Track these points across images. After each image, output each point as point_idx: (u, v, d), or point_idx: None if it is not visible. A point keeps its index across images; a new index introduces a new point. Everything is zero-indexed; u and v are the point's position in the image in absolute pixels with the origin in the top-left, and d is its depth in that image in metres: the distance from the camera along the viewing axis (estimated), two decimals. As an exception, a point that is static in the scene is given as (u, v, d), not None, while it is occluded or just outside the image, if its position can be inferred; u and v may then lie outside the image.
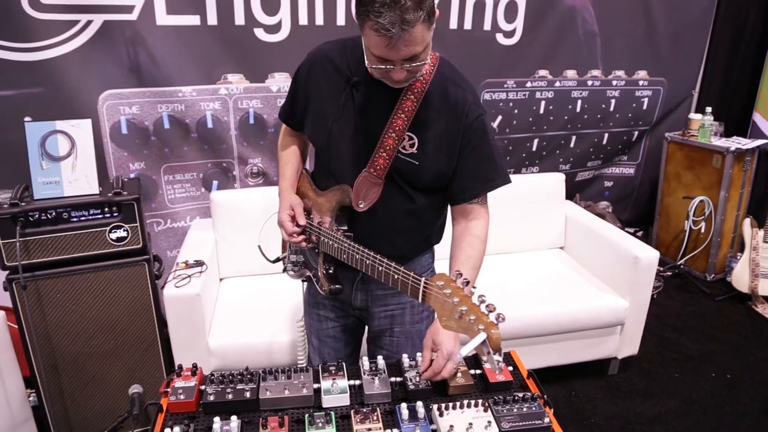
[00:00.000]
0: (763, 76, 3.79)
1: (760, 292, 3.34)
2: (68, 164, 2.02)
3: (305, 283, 1.73)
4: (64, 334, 2.08)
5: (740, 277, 3.40)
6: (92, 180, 2.04)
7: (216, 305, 2.45)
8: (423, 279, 1.17)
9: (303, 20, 2.73)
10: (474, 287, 1.24)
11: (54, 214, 1.97)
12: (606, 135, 3.77)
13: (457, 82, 1.41)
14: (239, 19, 2.63)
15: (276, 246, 1.76)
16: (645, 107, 3.77)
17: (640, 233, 4.14)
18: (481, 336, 1.04)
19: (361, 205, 1.40)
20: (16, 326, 2.03)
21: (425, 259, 1.61)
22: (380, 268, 1.29)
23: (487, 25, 3.10)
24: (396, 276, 1.25)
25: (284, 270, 1.70)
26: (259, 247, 1.70)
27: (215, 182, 2.86)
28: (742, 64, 3.94)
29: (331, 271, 1.52)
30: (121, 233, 2.06)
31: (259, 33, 2.68)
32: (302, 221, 1.47)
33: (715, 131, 3.63)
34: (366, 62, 1.27)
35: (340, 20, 2.80)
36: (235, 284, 2.64)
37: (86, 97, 2.50)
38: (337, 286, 1.51)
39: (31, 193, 2.00)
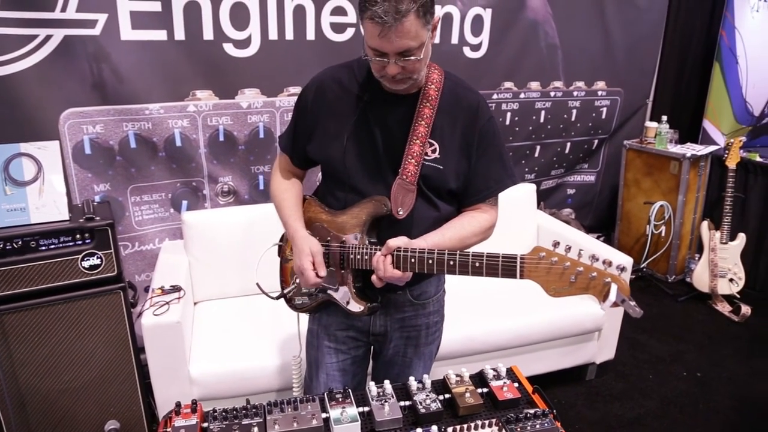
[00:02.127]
0: (711, 85, 3.98)
1: (719, 291, 3.49)
2: (35, 189, 1.90)
3: (311, 315, 1.68)
4: (33, 370, 1.95)
5: (700, 278, 3.55)
6: (61, 205, 1.92)
7: (193, 331, 2.35)
8: (518, 256, 1.22)
9: (273, 35, 2.67)
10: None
11: (20, 242, 1.84)
12: (568, 144, 3.87)
13: (466, 86, 1.47)
14: (208, 34, 2.55)
15: (268, 277, 1.70)
16: (604, 116, 3.90)
17: (602, 238, 4.26)
18: (614, 287, 1.13)
19: (401, 212, 1.40)
20: (-21, 365, 1.88)
21: None
22: (452, 262, 1.30)
23: (455, 39, 3.13)
24: (478, 263, 1.27)
25: (290, 303, 1.64)
26: (258, 284, 1.63)
27: (185, 202, 2.76)
28: (691, 74, 4.14)
29: (360, 289, 1.49)
30: (94, 261, 1.94)
31: (229, 48, 2.61)
32: (323, 272, 1.43)
33: (671, 138, 3.79)
34: (362, 54, 1.33)
35: (310, 35, 2.76)
36: (211, 308, 2.54)
37: (47, 116, 2.36)
38: (375, 304, 1.49)
39: (-6, 221, 1.86)
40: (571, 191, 4.13)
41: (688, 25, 4.00)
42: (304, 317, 1.71)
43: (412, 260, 1.33)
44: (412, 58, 1.27)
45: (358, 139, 1.43)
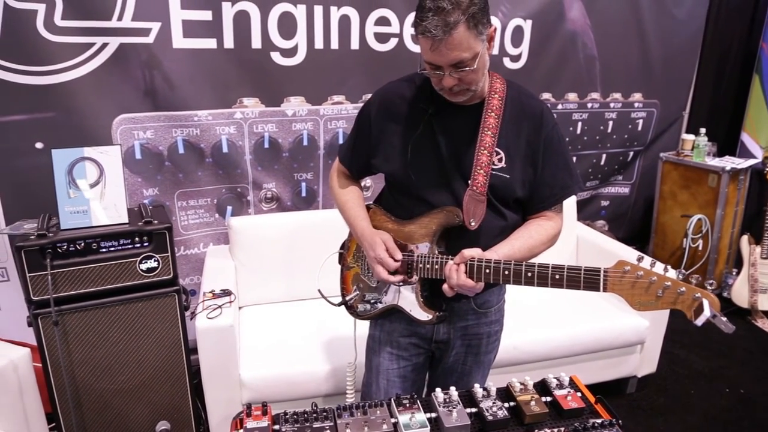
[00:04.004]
0: (750, 97, 3.95)
1: (759, 306, 3.44)
2: (97, 192, 1.93)
3: (372, 321, 1.69)
4: (90, 370, 1.98)
5: (739, 293, 3.50)
6: (121, 208, 1.96)
7: (240, 335, 2.37)
8: (602, 269, 1.23)
9: (319, 44, 2.71)
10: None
11: (83, 244, 1.88)
12: (604, 156, 3.85)
13: (530, 95, 1.49)
14: (256, 42, 2.59)
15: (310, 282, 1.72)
16: (640, 128, 3.88)
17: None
18: (706, 303, 1.13)
19: (473, 223, 1.41)
20: (39, 364, 1.92)
21: None
22: (530, 274, 1.31)
23: (495, 50, 3.15)
24: (558, 276, 1.28)
25: (351, 310, 1.65)
26: (320, 291, 1.65)
27: (229, 207, 2.79)
28: (728, 86, 4.11)
29: (428, 298, 1.51)
30: (151, 263, 1.98)
31: (276, 57, 2.65)
32: (399, 255, 1.45)
33: (708, 151, 3.76)
34: (419, 68, 1.37)
35: (354, 44, 2.79)
36: (256, 313, 2.57)
37: (100, 122, 2.42)
38: (444, 312, 1.50)
39: (57, 223, 1.90)
40: (605, 203, 4.10)
41: (726, 37, 3.98)
42: (359, 324, 1.72)
43: (487, 270, 1.34)
44: (466, 69, 1.29)
45: (424, 150, 1.45)
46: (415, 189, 1.46)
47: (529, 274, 1.31)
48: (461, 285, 1.35)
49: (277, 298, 2.62)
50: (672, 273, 1.21)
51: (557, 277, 1.29)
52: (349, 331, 1.73)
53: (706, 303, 1.14)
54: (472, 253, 1.35)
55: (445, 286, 1.38)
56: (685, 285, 1.18)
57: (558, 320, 2.59)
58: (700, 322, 1.15)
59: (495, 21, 3.06)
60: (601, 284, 1.24)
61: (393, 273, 1.46)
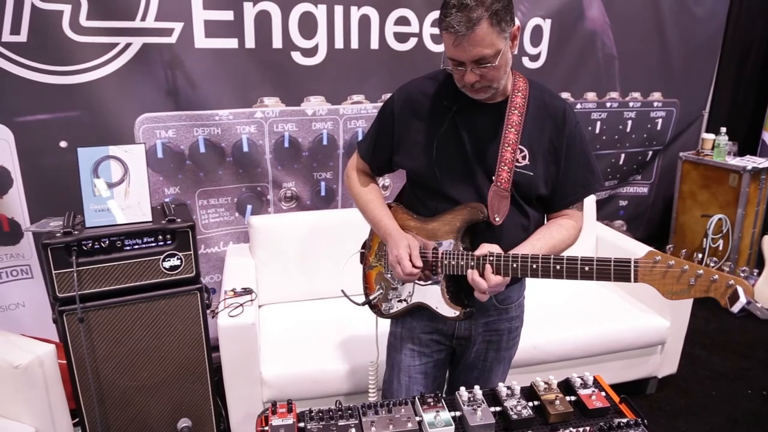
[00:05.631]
0: (771, 96, 3.90)
1: (781, 308, 3.40)
2: (121, 191, 1.96)
3: (394, 319, 1.69)
4: (113, 367, 2.00)
5: (761, 293, 3.45)
6: (145, 207, 1.98)
7: (260, 334, 2.38)
8: (632, 260, 1.24)
9: (339, 44, 2.72)
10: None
11: (107, 242, 1.90)
12: (622, 155, 3.82)
13: (552, 93, 1.50)
14: (277, 42, 2.60)
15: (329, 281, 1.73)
16: (659, 128, 3.84)
17: (654, 251, 4.18)
18: (740, 290, 1.13)
19: (497, 219, 1.42)
20: (64, 361, 1.94)
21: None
22: (558, 267, 1.31)
23: (514, 49, 3.13)
24: (588, 268, 1.28)
25: (374, 309, 1.66)
26: (343, 291, 1.66)
27: (249, 206, 2.81)
28: (749, 85, 4.06)
29: (454, 293, 1.51)
30: (174, 261, 1.99)
31: (296, 56, 2.66)
32: (419, 263, 1.45)
33: (729, 150, 3.71)
34: (441, 64, 1.38)
35: (374, 44, 2.79)
36: (276, 311, 2.58)
37: (123, 121, 2.44)
38: (471, 308, 1.50)
39: (82, 220, 1.93)
40: (623, 203, 4.07)
41: (747, 35, 3.93)
42: (381, 323, 1.72)
43: (515, 265, 1.34)
44: (488, 65, 1.29)
45: (448, 147, 1.46)
46: (439, 186, 1.47)
47: (558, 267, 1.31)
48: (493, 286, 1.35)
49: (297, 296, 2.63)
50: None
51: (587, 269, 1.29)
52: (369, 329, 1.74)
53: (740, 290, 1.14)
54: (492, 248, 1.36)
55: (477, 293, 1.38)
56: (718, 272, 1.17)
57: (578, 320, 2.58)
58: (736, 309, 1.15)
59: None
60: (632, 275, 1.25)
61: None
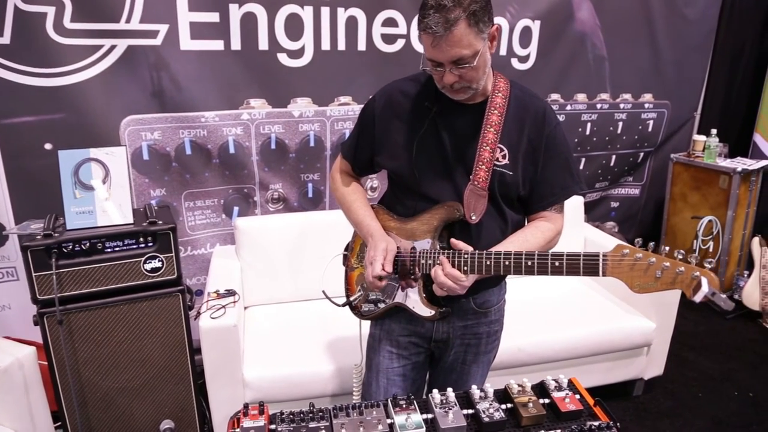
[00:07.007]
0: (762, 98, 3.90)
1: (770, 309, 3.40)
2: (102, 193, 1.96)
3: (373, 321, 1.69)
4: (95, 369, 2.00)
5: (750, 295, 3.46)
6: (126, 209, 1.98)
7: (245, 335, 2.39)
8: (601, 254, 1.23)
9: (326, 45, 2.72)
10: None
11: (88, 245, 1.90)
12: (613, 157, 3.82)
13: (532, 94, 1.50)
14: (263, 44, 2.61)
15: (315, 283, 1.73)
16: (650, 129, 3.84)
17: (645, 253, 4.18)
18: (704, 280, 1.12)
19: (474, 217, 1.42)
20: (45, 362, 1.95)
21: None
22: (530, 263, 1.32)
23: (503, 50, 3.14)
24: (558, 263, 1.29)
25: (355, 311, 1.66)
26: (324, 292, 1.66)
27: (236, 208, 2.81)
28: (740, 87, 4.06)
29: (431, 293, 1.51)
30: (155, 264, 2.00)
31: (283, 58, 2.66)
32: (389, 267, 1.45)
33: (720, 152, 3.71)
34: (421, 66, 1.38)
35: (361, 46, 2.80)
36: (262, 312, 2.58)
37: (108, 123, 2.45)
38: (446, 308, 1.50)
39: (63, 223, 1.93)
40: (614, 204, 4.07)
41: (739, 37, 3.92)
42: (365, 325, 1.73)
43: (488, 262, 1.34)
44: (466, 66, 1.30)
45: (428, 147, 1.46)
46: (418, 186, 1.47)
47: (530, 263, 1.32)
48: (448, 275, 1.35)
49: (283, 298, 2.63)
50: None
51: (557, 264, 1.29)
52: (354, 330, 1.74)
53: (704, 280, 1.13)
54: (466, 248, 1.37)
55: (435, 287, 1.39)
56: (684, 264, 1.17)
57: (563, 322, 2.58)
58: (698, 299, 1.14)
59: (503, 22, 3.05)
60: (601, 269, 1.25)
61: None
